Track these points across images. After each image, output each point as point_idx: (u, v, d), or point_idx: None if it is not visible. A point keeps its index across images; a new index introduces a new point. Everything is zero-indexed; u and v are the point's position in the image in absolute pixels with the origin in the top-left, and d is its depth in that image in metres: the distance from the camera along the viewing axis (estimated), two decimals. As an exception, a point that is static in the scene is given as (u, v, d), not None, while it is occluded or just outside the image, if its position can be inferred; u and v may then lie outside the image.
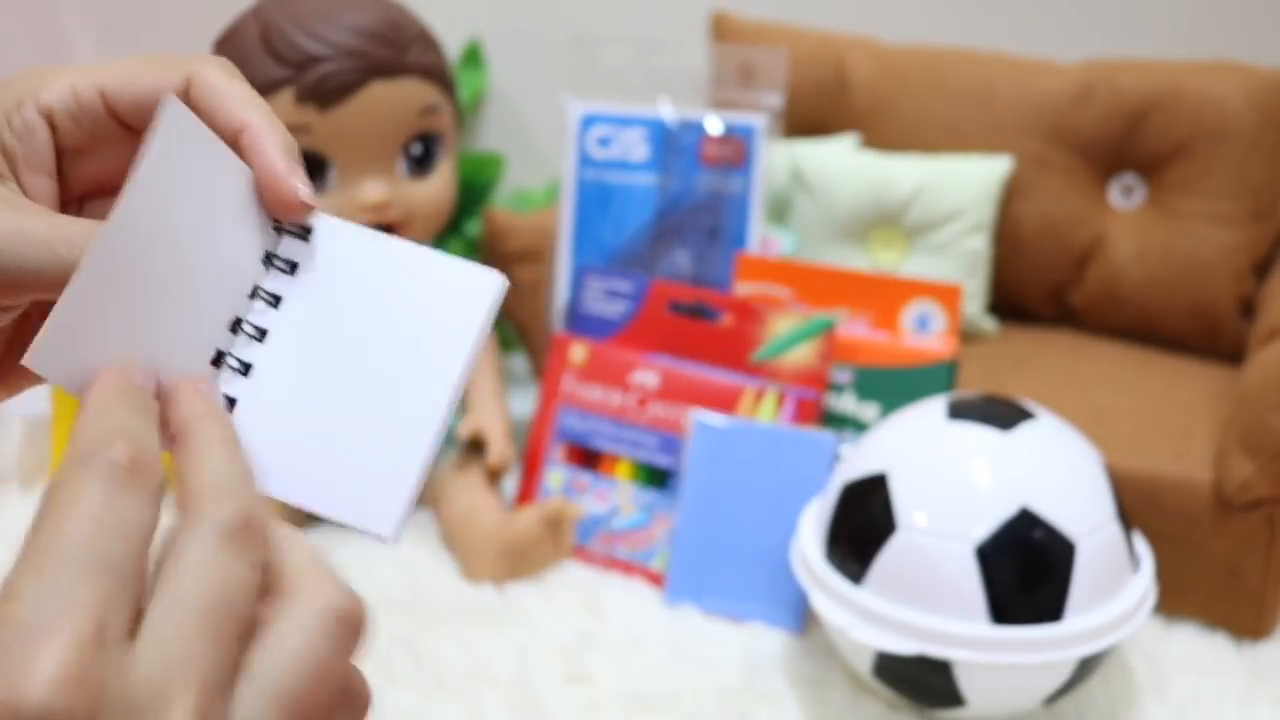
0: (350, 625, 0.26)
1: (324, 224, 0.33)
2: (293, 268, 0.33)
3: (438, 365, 0.32)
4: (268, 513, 0.27)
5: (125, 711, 0.23)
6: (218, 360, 0.31)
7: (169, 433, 0.28)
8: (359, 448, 0.31)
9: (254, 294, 0.32)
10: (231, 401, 0.32)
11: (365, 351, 0.32)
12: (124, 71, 0.32)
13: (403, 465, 0.31)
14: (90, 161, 0.33)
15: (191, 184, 0.30)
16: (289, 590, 0.26)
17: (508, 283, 0.33)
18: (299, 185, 0.32)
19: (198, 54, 0.33)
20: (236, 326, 0.32)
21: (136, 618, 0.24)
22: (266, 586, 0.26)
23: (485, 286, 0.32)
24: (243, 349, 0.32)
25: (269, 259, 0.33)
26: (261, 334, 0.32)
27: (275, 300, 0.32)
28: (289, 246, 0.33)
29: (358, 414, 0.31)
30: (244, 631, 0.25)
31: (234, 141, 0.32)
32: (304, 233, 0.33)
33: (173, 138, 0.30)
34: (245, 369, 0.32)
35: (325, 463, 0.31)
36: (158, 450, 0.27)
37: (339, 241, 0.33)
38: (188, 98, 0.32)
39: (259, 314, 0.32)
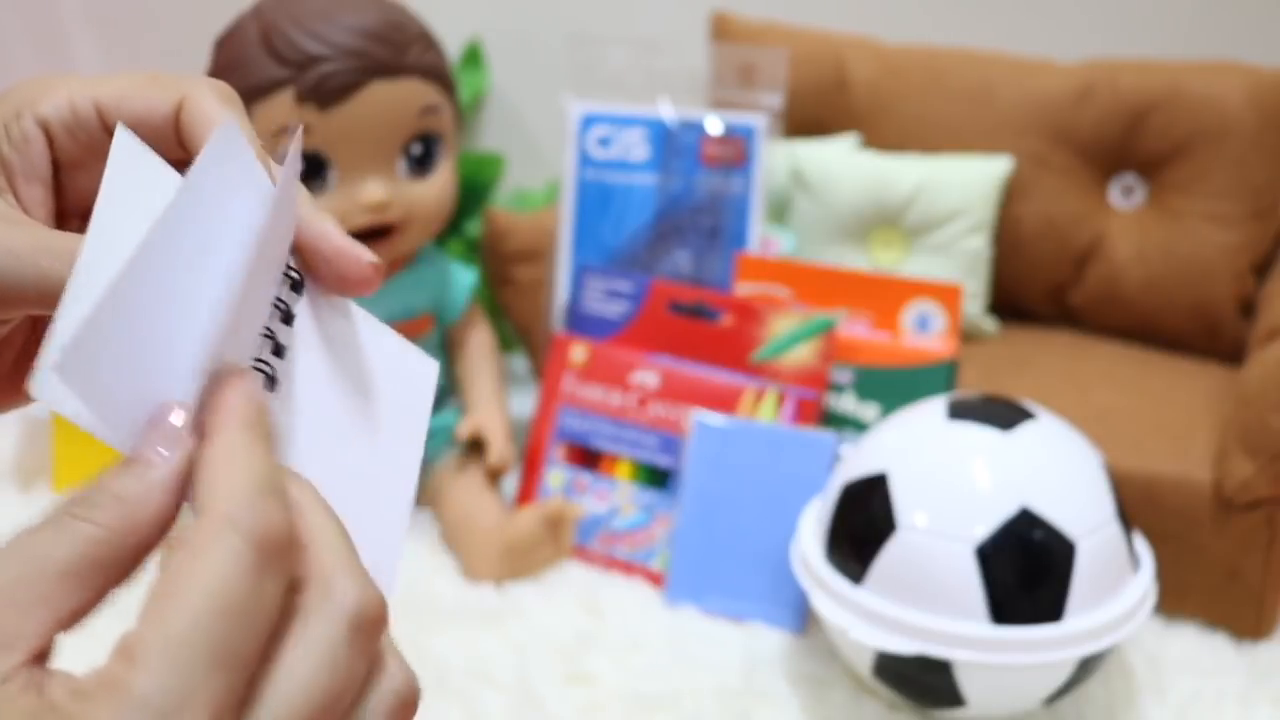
0: (367, 629, 0.26)
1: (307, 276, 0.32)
2: (289, 319, 0.32)
3: (404, 432, 0.32)
4: (294, 525, 0.26)
5: None
6: None
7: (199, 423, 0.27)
8: (348, 513, 0.30)
9: (269, 335, 0.31)
10: None
11: (342, 416, 0.31)
12: (121, 87, 0.32)
13: (388, 526, 0.30)
14: (86, 176, 0.33)
15: (228, 211, 0.29)
16: (310, 594, 0.26)
17: (437, 366, 0.34)
18: (355, 250, 0.31)
19: (197, 76, 0.32)
20: (256, 366, 0.31)
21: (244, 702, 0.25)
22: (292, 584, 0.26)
23: (427, 370, 0.33)
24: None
25: (277, 303, 0.31)
26: (272, 382, 0.31)
27: (280, 349, 0.31)
28: (288, 294, 0.32)
29: (344, 479, 0.30)
30: (261, 650, 0.25)
31: None
32: (299, 284, 0.32)
33: (125, 169, 0.28)
34: None
35: None
36: (289, 510, 0.26)
37: (317, 300, 0.32)
38: (178, 120, 0.32)
39: (270, 359, 0.31)
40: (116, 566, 0.26)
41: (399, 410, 0.32)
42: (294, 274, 0.32)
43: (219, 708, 0.24)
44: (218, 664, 0.24)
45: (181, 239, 0.28)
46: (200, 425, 0.27)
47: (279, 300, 0.31)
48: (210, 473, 0.26)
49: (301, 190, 0.32)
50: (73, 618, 0.25)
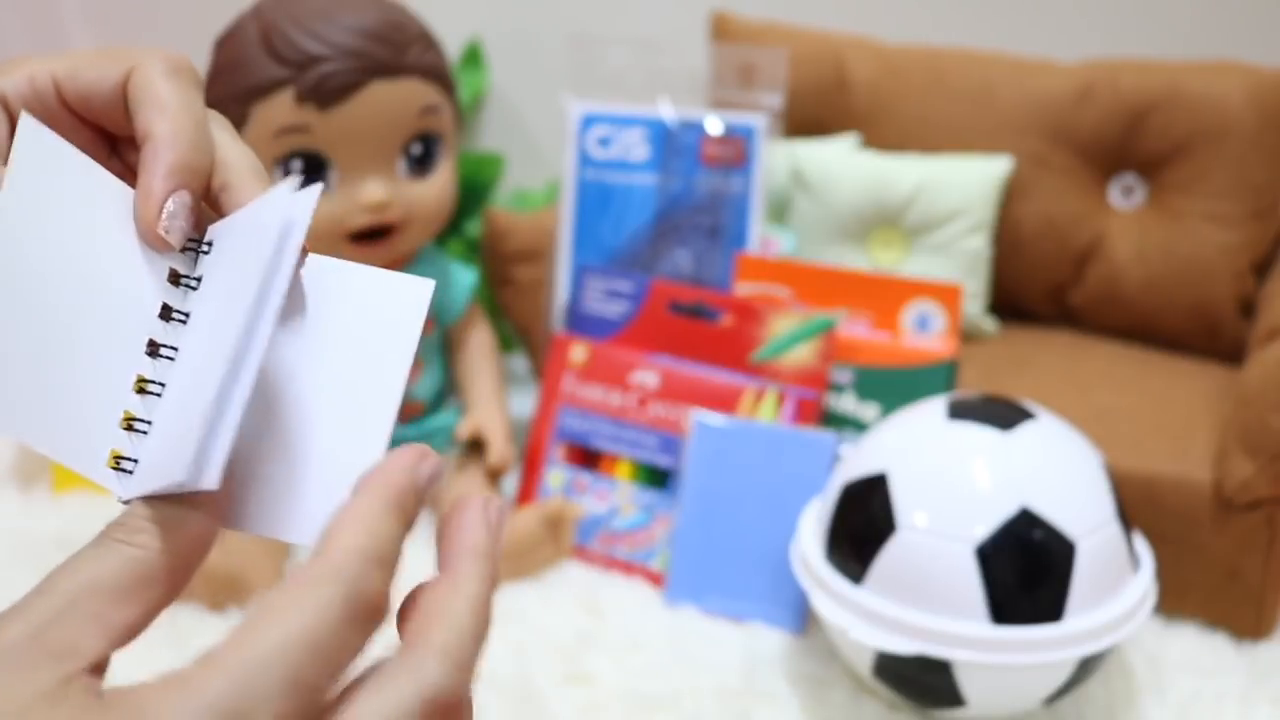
0: (440, 713, 0.27)
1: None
2: (199, 282, 0.31)
3: (380, 371, 0.31)
4: (469, 693, 0.28)
5: None
6: (141, 389, 0.31)
7: (443, 552, 0.29)
8: (314, 470, 0.30)
9: (165, 315, 0.31)
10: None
11: (298, 370, 0.31)
12: (76, 61, 0.32)
13: (352, 472, 0.30)
14: None
15: (62, 205, 0.29)
16: (403, 659, 0.27)
17: (433, 285, 0.33)
18: (157, 213, 0.30)
19: (153, 49, 0.32)
20: (155, 351, 0.31)
21: None
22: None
23: (418, 292, 0.32)
24: (165, 375, 0.31)
25: (176, 278, 0.31)
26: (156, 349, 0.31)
27: (185, 317, 0.31)
28: (191, 265, 0.32)
29: (304, 435, 0.31)
30: (331, 690, 0.26)
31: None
32: (207, 246, 0.32)
33: (31, 158, 0.28)
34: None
35: (282, 490, 0.30)
36: (392, 583, 0.28)
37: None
38: (121, 93, 0.32)
39: (174, 336, 0.31)
40: (163, 584, 0.28)
41: (369, 341, 0.32)
42: (205, 247, 0.32)
43: None
44: (289, 691, 0.25)
45: (15, 241, 0.28)
46: (363, 480, 0.29)
47: (182, 278, 0.31)
48: (339, 524, 0.27)
49: (248, 164, 0.32)
50: (125, 633, 0.27)
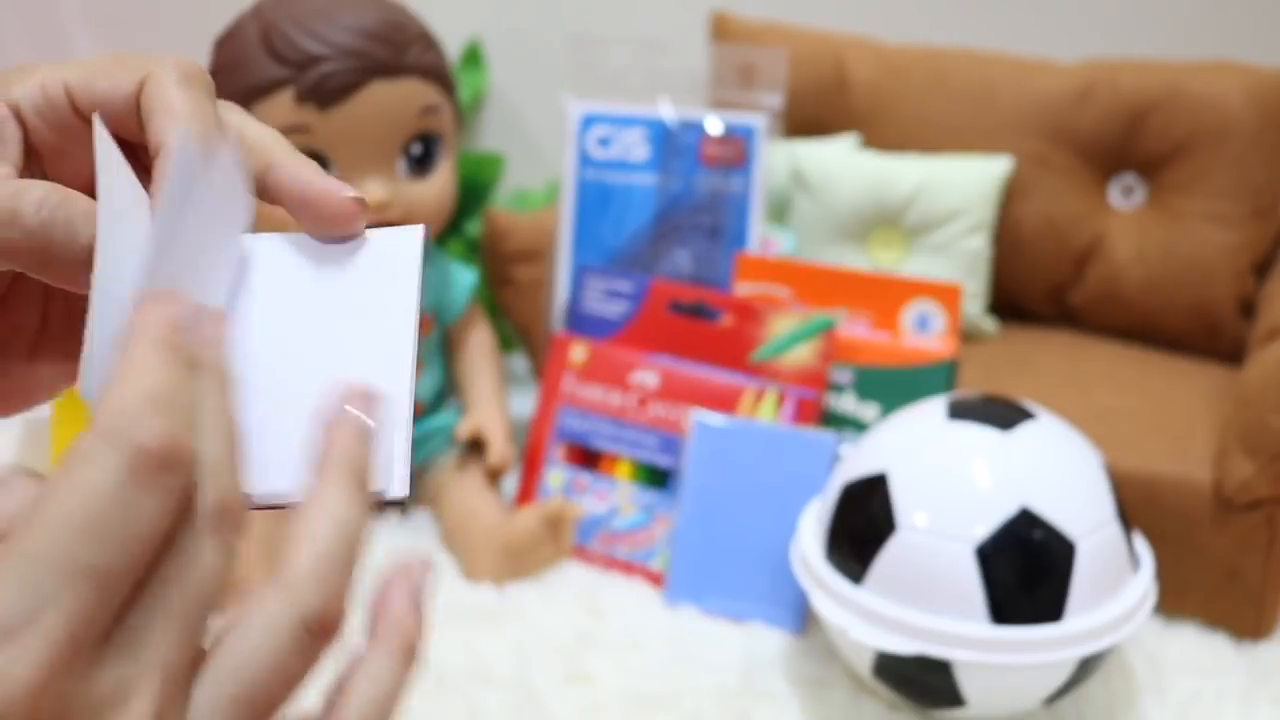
0: (318, 633, 0.26)
1: None
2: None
3: (389, 327, 0.31)
4: (345, 615, 0.26)
5: (85, 714, 0.23)
6: None
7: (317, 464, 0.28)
8: (282, 430, 0.30)
9: None
10: None
11: (311, 341, 0.31)
12: (89, 69, 0.32)
13: (389, 427, 0.30)
14: (67, 163, 0.33)
15: (127, 207, 0.29)
16: (275, 586, 0.26)
17: (427, 230, 0.33)
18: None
19: (165, 55, 0.32)
20: None
21: (116, 618, 0.24)
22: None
23: (411, 241, 0.32)
24: None
25: None
26: None
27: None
28: None
29: (321, 398, 0.31)
30: (134, 568, 0.24)
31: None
32: None
33: (108, 160, 0.29)
34: None
35: (298, 453, 0.30)
36: (192, 431, 0.25)
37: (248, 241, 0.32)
38: (135, 102, 0.32)
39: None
40: None
41: (375, 298, 0.32)
42: None
43: (78, 624, 0.22)
44: (75, 579, 0.22)
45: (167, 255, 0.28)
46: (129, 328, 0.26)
47: None
48: (105, 389, 0.25)
49: (277, 140, 0.32)
50: None
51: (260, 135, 0.32)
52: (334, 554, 0.26)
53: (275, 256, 0.32)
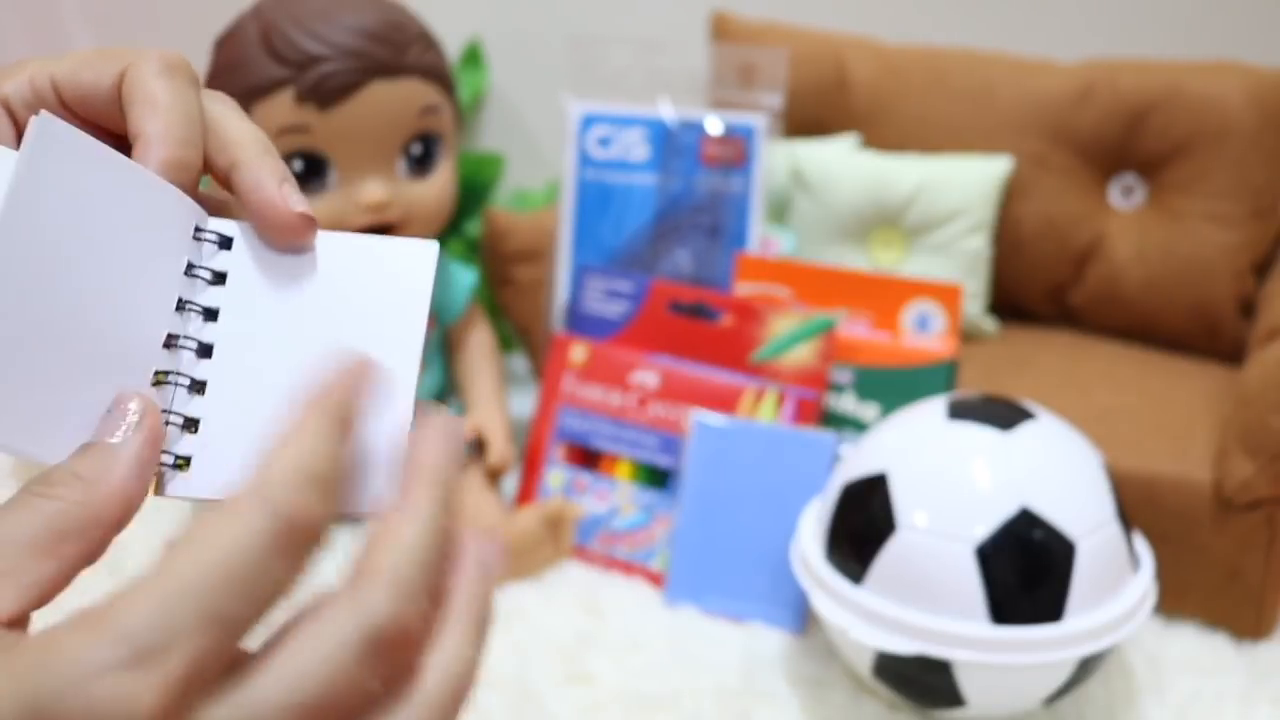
0: (384, 647, 0.26)
1: (243, 231, 0.32)
2: (220, 278, 0.32)
3: (397, 338, 0.31)
4: (421, 624, 0.26)
5: None
6: (159, 382, 0.31)
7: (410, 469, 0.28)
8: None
9: (181, 307, 0.31)
10: (194, 421, 0.31)
11: (320, 347, 0.31)
12: (75, 62, 0.32)
13: (389, 441, 0.30)
14: None
15: (81, 199, 0.29)
16: (342, 591, 0.26)
17: (439, 247, 0.33)
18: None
19: (150, 49, 0.32)
20: (172, 343, 0.31)
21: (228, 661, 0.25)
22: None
23: (424, 255, 0.33)
24: (189, 366, 0.31)
25: (190, 270, 0.32)
26: (206, 349, 0.31)
27: (211, 313, 0.32)
28: (211, 256, 0.32)
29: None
30: (257, 622, 0.25)
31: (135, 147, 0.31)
32: (226, 241, 0.32)
33: (47, 153, 0.28)
34: (200, 387, 0.31)
35: None
36: (334, 505, 0.26)
37: (257, 245, 0.32)
38: (117, 93, 0.32)
39: (196, 328, 0.31)
40: (80, 539, 0.27)
41: (386, 307, 0.32)
42: (210, 235, 0.32)
43: (198, 664, 0.24)
44: (207, 625, 0.24)
45: (29, 245, 0.28)
46: (298, 395, 0.27)
47: (195, 269, 0.32)
48: (271, 446, 0.26)
49: (253, 140, 0.32)
50: (41, 590, 0.26)
51: (237, 132, 0.32)
52: (414, 565, 0.26)
53: (268, 249, 0.32)
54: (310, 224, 0.32)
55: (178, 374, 0.31)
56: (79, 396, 0.29)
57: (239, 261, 0.32)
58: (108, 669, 0.23)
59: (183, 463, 0.30)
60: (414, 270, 0.32)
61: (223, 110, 0.33)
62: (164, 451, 0.30)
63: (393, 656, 0.26)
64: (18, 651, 0.24)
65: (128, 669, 0.23)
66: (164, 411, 0.30)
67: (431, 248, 0.33)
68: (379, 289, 0.32)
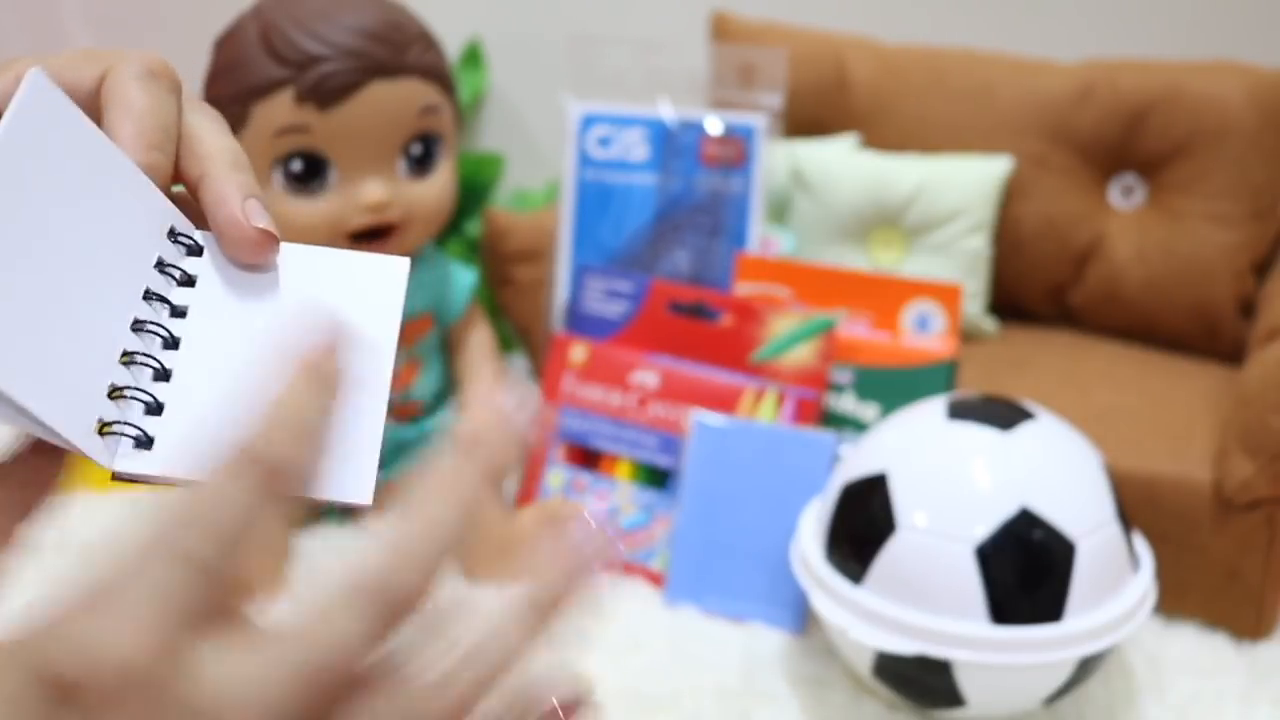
0: (375, 598, 0.26)
1: (211, 241, 0.33)
2: (190, 281, 0.32)
3: (368, 353, 0.31)
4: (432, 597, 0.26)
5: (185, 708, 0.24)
6: (127, 361, 0.31)
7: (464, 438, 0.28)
8: None
9: (149, 297, 0.31)
10: (159, 405, 0.31)
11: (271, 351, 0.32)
12: (59, 63, 0.32)
13: (361, 437, 0.31)
14: None
15: (62, 161, 0.29)
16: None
17: (409, 263, 0.34)
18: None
19: (132, 50, 0.32)
20: (139, 327, 0.31)
21: (220, 617, 0.25)
22: None
23: (396, 271, 0.33)
24: (157, 353, 0.31)
25: (161, 266, 0.32)
26: (174, 341, 0.32)
27: (179, 311, 0.32)
28: (181, 257, 0.32)
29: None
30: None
31: None
32: (197, 248, 0.32)
33: (33, 112, 0.28)
34: (165, 375, 0.31)
35: None
36: (319, 451, 0.26)
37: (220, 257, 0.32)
38: (97, 94, 0.32)
39: (164, 319, 0.32)
40: None
41: (359, 317, 0.32)
42: (183, 239, 0.32)
43: (169, 599, 0.24)
44: (172, 559, 0.24)
45: (6, 189, 0.28)
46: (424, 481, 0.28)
47: (166, 266, 0.32)
48: (253, 405, 0.26)
49: (223, 152, 0.32)
50: None
51: (210, 145, 0.32)
52: (433, 534, 0.27)
53: (210, 270, 0.33)
54: (271, 241, 0.32)
55: (146, 355, 0.31)
56: (56, 348, 0.29)
57: (209, 268, 0.32)
58: (75, 617, 0.23)
59: (144, 441, 0.30)
60: (385, 286, 0.33)
61: (200, 120, 0.33)
62: (127, 424, 0.30)
63: (399, 621, 0.26)
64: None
65: (95, 613, 0.23)
66: (131, 389, 0.30)
67: (403, 264, 0.33)
68: (350, 303, 0.32)
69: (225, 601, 0.25)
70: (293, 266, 0.33)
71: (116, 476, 0.30)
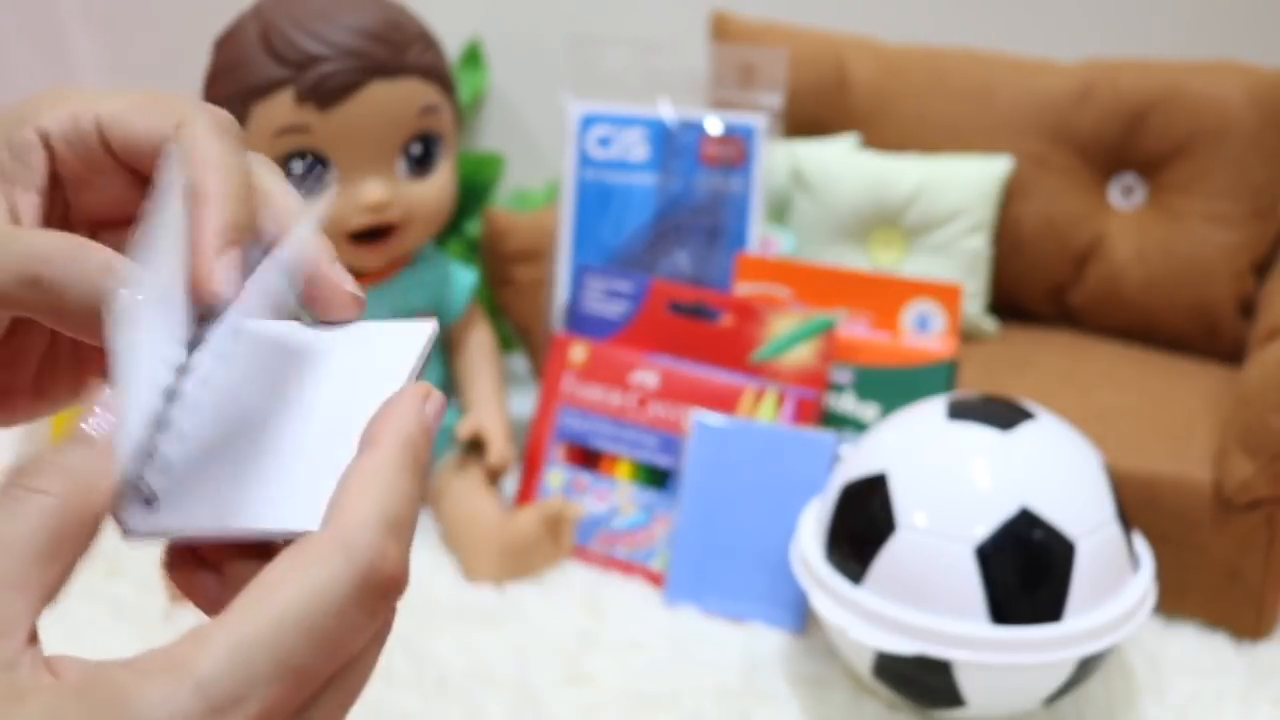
0: (377, 589, 0.26)
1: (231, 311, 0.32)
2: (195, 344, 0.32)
3: (379, 400, 0.31)
4: (407, 570, 0.26)
5: None
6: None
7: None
8: (279, 471, 0.30)
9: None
10: (166, 460, 0.30)
11: (288, 407, 0.31)
12: (123, 105, 0.32)
13: (325, 470, 0.30)
14: (92, 194, 0.33)
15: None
16: (338, 534, 0.26)
17: (437, 328, 0.33)
18: (209, 269, 0.30)
19: (199, 102, 0.32)
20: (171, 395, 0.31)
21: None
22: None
23: (420, 331, 0.33)
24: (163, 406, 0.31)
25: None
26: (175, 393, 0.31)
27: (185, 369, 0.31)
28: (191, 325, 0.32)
29: (281, 447, 0.30)
30: (331, 674, 0.25)
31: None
32: (206, 314, 0.32)
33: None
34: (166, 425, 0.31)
35: (247, 493, 0.30)
36: (409, 551, 0.26)
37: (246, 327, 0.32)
38: (166, 144, 0.32)
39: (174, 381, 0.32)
40: (79, 538, 0.26)
41: (366, 381, 0.31)
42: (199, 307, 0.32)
43: (270, 713, 0.24)
44: (282, 676, 0.24)
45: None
46: (369, 434, 0.27)
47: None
48: (350, 485, 0.26)
49: (292, 204, 0.33)
50: (49, 596, 0.25)
51: (285, 199, 0.33)
52: (391, 512, 0.26)
53: (253, 333, 0.32)
54: (360, 304, 0.33)
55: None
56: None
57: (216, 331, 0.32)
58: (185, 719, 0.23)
59: (151, 497, 0.30)
60: (406, 344, 0.32)
61: (266, 176, 0.33)
62: (139, 479, 0.30)
63: (387, 606, 0.26)
64: (80, 695, 0.23)
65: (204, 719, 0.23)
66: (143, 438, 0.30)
67: (420, 332, 0.33)
68: (373, 362, 0.32)
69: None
70: (302, 340, 0.33)
71: (127, 533, 0.29)
